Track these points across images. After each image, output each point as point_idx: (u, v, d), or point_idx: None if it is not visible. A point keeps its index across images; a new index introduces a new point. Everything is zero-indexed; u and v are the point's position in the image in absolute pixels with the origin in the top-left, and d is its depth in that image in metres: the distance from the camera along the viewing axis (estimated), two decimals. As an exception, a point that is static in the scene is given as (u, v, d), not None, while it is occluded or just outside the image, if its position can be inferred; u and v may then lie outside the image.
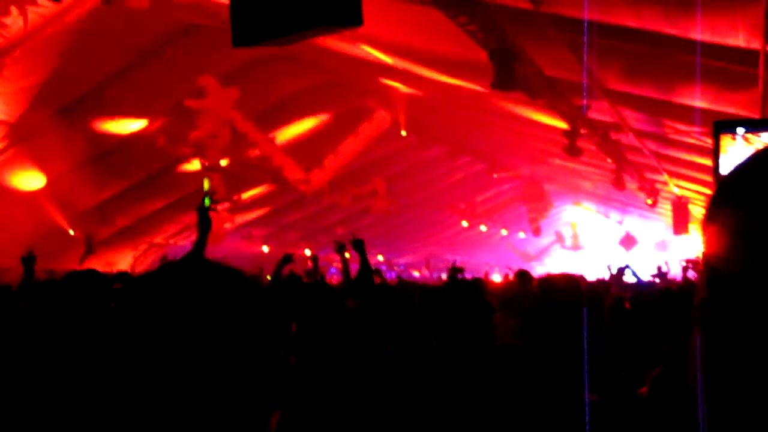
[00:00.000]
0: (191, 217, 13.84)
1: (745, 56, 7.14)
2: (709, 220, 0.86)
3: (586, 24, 7.09)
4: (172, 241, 18.95)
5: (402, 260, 26.71)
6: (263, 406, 1.18)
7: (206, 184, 3.55)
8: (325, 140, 17.04)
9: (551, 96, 10.45)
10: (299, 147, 16.43)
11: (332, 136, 17.01)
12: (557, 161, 16.89)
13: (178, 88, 13.11)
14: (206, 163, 14.52)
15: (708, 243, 0.85)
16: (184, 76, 12.76)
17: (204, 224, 3.67)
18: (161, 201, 16.70)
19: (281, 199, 19.03)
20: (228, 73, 13.19)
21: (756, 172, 0.83)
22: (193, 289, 1.15)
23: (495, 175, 22.35)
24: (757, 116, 8.72)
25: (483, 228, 28.12)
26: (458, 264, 7.38)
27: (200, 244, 3.64)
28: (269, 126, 15.25)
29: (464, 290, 6.48)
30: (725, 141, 3.10)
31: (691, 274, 7.96)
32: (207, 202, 3.64)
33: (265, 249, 20.55)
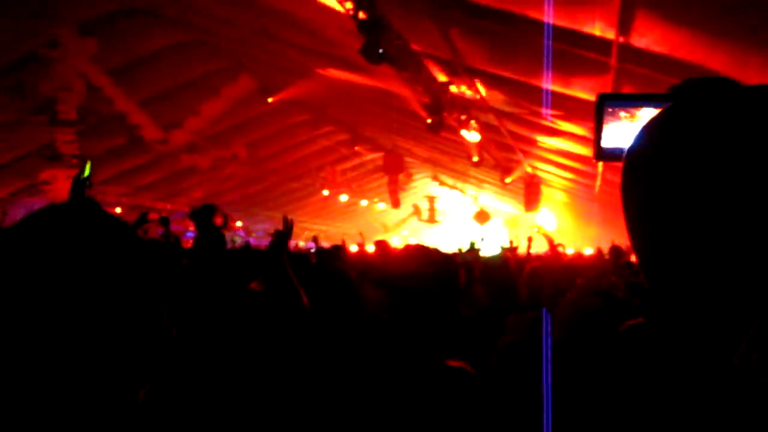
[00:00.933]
0: (40, 174, 13.20)
1: (599, 45, 7.54)
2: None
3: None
4: (15, 199, 17.99)
5: (260, 227, 26.47)
6: (130, 374, 1.11)
7: (88, 169, 3.32)
8: (187, 101, 16.59)
9: (416, 70, 10.62)
10: (159, 106, 15.91)
11: (194, 98, 16.58)
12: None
13: (30, 37, 12.35)
14: (58, 118, 13.80)
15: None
16: (37, 25, 12.03)
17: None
18: (6, 156, 15.78)
19: (137, 160, 18.39)
20: (86, 24, 12.56)
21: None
22: (72, 235, 1.07)
23: (357, 148, 22.55)
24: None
25: (343, 198, 28.29)
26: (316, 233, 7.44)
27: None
28: (128, 83, 14.65)
29: (324, 257, 6.55)
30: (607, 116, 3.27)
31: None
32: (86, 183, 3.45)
33: (118, 210, 19.83)
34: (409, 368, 2.78)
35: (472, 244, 8.73)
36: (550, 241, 7.40)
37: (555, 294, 3.76)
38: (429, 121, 12.42)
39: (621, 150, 1.08)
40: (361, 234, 12.98)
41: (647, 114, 1.40)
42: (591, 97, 9.45)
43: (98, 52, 12.79)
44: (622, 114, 1.34)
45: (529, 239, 8.65)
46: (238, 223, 24.94)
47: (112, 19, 12.51)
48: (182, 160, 18.27)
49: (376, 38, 8.75)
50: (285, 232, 3.46)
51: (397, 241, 23.67)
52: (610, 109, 1.34)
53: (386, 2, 8.64)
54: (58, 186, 15.71)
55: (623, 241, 19.19)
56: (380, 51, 8.84)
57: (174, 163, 18.59)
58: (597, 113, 1.36)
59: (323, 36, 11.28)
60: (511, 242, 8.70)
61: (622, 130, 1.36)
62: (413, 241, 16.45)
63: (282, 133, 20.70)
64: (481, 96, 11.87)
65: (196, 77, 15.97)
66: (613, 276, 5.93)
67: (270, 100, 16.63)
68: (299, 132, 20.73)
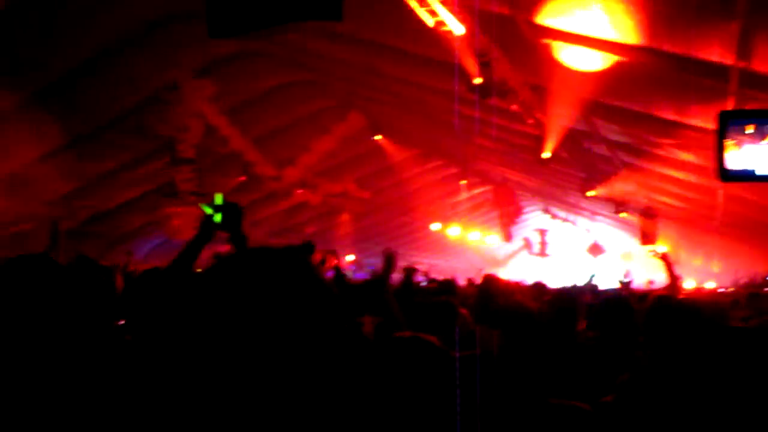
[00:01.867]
0: (158, 212, 13.64)
1: (717, 71, 7.25)
2: None
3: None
4: (137, 235, 18.80)
5: (371, 261, 26.69)
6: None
7: (218, 199, 3.32)
8: (299, 138, 17.00)
9: (525, 103, 10.52)
10: (272, 144, 16.37)
11: (305, 135, 16.98)
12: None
13: (150, 80, 12.99)
14: (177, 156, 14.39)
15: None
16: (158, 68, 12.64)
17: (203, 236, 3.29)
18: (129, 194, 16.58)
19: (251, 195, 18.93)
20: (202, 66, 13.10)
21: None
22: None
23: (465, 181, 22.44)
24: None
25: (453, 232, 28.16)
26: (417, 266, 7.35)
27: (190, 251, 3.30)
28: (242, 122, 15.15)
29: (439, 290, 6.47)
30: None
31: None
32: (216, 217, 3.24)
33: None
34: (515, 408, 2.69)
35: (591, 278, 8.39)
36: (669, 265, 6.67)
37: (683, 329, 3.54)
38: (542, 156, 12.26)
39: (749, 171, 1.00)
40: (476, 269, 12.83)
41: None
42: (709, 125, 9.09)
43: (214, 92, 13.30)
44: (749, 131, 1.25)
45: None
46: (350, 257, 25.20)
47: (227, 60, 12.99)
48: (295, 195, 18.68)
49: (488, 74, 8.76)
50: (387, 266, 3.45)
51: (507, 275, 23.35)
52: (735, 128, 1.25)
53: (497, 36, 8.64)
54: (178, 222, 16.32)
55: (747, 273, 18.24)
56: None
57: (287, 200, 19.03)
58: (719, 132, 1.26)
59: (432, 69, 11.34)
60: (625, 275, 8.37)
61: (750, 150, 1.26)
62: (524, 277, 16.19)
63: (392, 168, 20.88)
64: (593, 126, 11.63)
65: (306, 115, 16.36)
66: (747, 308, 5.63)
67: (378, 137, 16.82)
68: (409, 166, 20.85)
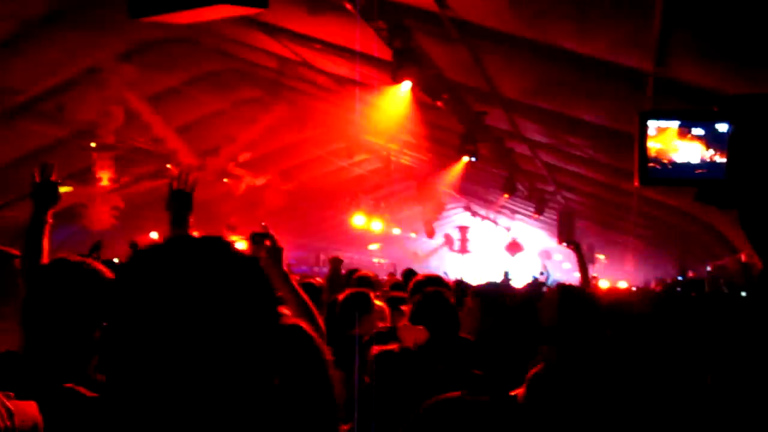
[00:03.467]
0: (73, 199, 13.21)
1: (634, 75, 7.48)
2: None
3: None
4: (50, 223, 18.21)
5: (292, 255, 26.54)
6: None
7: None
8: (222, 128, 16.78)
9: (450, 99, 10.62)
10: (195, 133, 16.11)
11: (230, 125, 16.76)
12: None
13: (70, 63, 12.59)
14: (96, 143, 14.02)
15: None
16: (78, 52, 12.26)
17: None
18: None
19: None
20: (125, 51, 12.76)
21: None
22: None
23: (389, 176, 22.52)
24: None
25: (376, 226, 28.24)
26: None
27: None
28: (165, 110, 14.85)
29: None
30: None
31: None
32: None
33: (154, 235, 20.00)
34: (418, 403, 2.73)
35: (506, 275, 8.58)
36: (579, 257, 6.69)
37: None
38: (462, 149, 12.37)
39: (671, 171, 1.04)
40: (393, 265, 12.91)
41: (699, 133, 1.36)
42: (630, 129, 9.35)
43: (137, 78, 12.98)
44: (671, 128, 1.30)
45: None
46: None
47: (151, 46, 12.70)
48: (218, 186, 18.41)
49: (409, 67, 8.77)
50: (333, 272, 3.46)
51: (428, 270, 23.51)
52: (655, 128, 1.30)
53: (421, 33, 8.68)
54: (94, 210, 15.91)
55: (661, 274, 18.81)
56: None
57: (210, 190, 18.73)
58: (640, 132, 1.31)
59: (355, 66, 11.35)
60: (541, 273, 8.56)
61: (672, 151, 1.32)
62: (445, 272, 16.38)
63: (315, 162, 20.82)
64: (515, 126, 11.83)
65: (231, 105, 16.16)
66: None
67: (304, 128, 16.72)
68: (333, 160, 20.82)
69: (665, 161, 1.40)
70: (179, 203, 3.37)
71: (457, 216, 31.43)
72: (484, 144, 12.71)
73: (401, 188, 25.98)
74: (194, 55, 13.57)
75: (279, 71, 14.04)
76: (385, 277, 12.03)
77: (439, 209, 26.94)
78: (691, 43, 6.46)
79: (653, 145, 1.42)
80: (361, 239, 30.13)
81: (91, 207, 16.72)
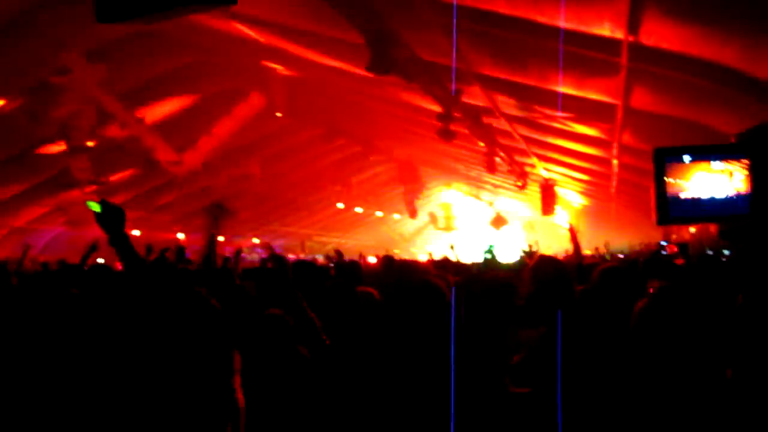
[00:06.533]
0: (54, 201, 13.29)
1: (608, 45, 7.47)
2: None
3: (455, 8, 7.22)
4: (33, 226, 18.10)
5: (277, 243, 26.52)
6: None
7: (94, 206, 3.18)
8: (198, 121, 16.64)
9: (426, 80, 10.57)
10: (171, 128, 15.95)
11: (205, 118, 16.62)
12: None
13: (39, 64, 12.41)
14: (71, 144, 13.85)
15: None
16: (46, 52, 12.07)
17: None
18: (24, 184, 15.89)
19: (152, 182, 18.46)
20: (94, 50, 12.58)
21: None
22: None
23: (371, 158, 22.52)
24: (619, 102, 9.17)
25: (358, 210, 28.28)
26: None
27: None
28: (139, 106, 14.68)
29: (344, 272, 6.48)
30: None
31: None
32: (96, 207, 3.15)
33: (136, 233, 19.90)
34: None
35: (490, 251, 8.52)
36: (574, 236, 7.03)
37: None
38: (441, 129, 12.33)
39: (693, 204, 1.01)
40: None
41: (718, 167, 1.33)
42: (603, 97, 9.37)
43: (108, 76, 12.79)
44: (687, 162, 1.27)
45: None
46: (255, 240, 24.99)
47: (121, 43, 12.52)
48: (198, 180, 18.29)
49: (383, 49, 8.72)
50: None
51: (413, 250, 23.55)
52: (673, 164, 1.26)
53: (393, 14, 8.62)
54: (75, 211, 15.80)
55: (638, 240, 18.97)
56: (388, 62, 8.81)
57: (190, 184, 18.62)
58: (657, 171, 1.27)
59: (333, 49, 11.30)
60: (530, 246, 8.56)
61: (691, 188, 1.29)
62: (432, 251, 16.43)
63: (295, 149, 20.73)
64: (492, 102, 11.81)
65: (206, 97, 16.01)
66: None
67: (278, 114, 16.56)
68: (312, 147, 20.73)
69: (685, 198, 1.37)
70: (217, 212, 4.24)
71: (439, 194, 31.49)
72: (462, 122, 12.70)
73: (382, 171, 25.99)
74: (164, 48, 13.40)
75: (250, 59, 13.95)
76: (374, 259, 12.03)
77: (420, 188, 27.01)
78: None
79: (671, 181, 1.39)
80: (345, 224, 30.16)
81: (72, 208, 16.64)
